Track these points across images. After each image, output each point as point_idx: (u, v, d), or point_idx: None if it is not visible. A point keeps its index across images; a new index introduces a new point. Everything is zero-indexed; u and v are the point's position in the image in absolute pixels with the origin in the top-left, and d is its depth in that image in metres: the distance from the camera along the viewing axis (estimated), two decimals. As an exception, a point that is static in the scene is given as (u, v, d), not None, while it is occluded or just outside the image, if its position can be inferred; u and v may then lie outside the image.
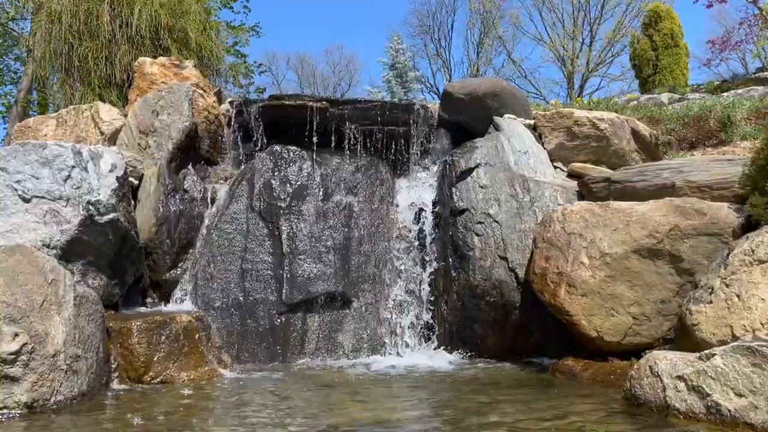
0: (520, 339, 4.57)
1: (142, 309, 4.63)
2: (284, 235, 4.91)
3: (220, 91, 6.46)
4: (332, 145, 5.42)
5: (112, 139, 5.54)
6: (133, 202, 4.74)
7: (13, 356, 2.94)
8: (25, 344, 2.99)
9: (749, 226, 3.81)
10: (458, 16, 40.21)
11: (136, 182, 4.91)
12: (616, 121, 5.60)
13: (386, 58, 26.02)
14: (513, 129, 5.36)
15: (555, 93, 27.82)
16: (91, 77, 7.06)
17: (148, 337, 3.74)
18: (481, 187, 4.86)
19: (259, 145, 5.41)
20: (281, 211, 5.00)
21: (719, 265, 3.43)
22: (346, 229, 5.03)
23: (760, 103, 6.79)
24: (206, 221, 5.04)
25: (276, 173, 5.16)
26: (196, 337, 3.93)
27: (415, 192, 5.30)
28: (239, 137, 5.58)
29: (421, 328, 4.86)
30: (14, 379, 2.94)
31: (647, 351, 3.47)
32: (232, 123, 5.67)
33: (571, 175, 5.36)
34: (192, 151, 5.37)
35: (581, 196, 4.92)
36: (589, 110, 6.15)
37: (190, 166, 5.21)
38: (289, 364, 4.55)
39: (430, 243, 5.03)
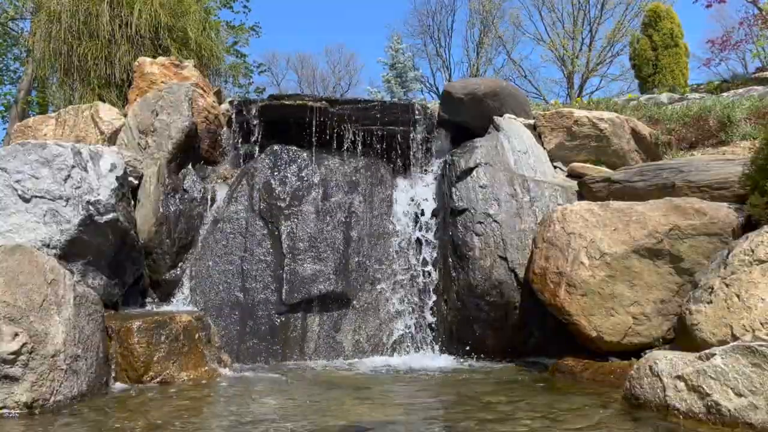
0: (520, 339, 4.57)
1: (142, 309, 4.63)
2: (284, 235, 4.91)
3: (219, 91, 6.46)
4: (332, 145, 5.42)
5: (111, 139, 5.54)
6: (132, 202, 4.74)
7: (12, 356, 2.94)
8: (24, 344, 2.99)
9: (749, 225, 3.82)
10: (458, 16, 40.30)
11: (136, 182, 4.91)
12: (616, 121, 5.60)
13: (386, 58, 26.06)
14: (513, 129, 5.35)
15: (555, 93, 27.83)
16: (91, 77, 7.06)
17: (147, 336, 3.74)
18: (481, 187, 4.86)
19: (259, 145, 5.40)
20: (281, 211, 4.99)
21: (719, 265, 3.43)
22: (346, 229, 5.03)
23: (760, 103, 6.78)
24: (206, 221, 5.04)
25: (276, 173, 5.16)
26: (196, 336, 3.93)
27: (415, 192, 5.30)
28: (239, 137, 5.58)
29: (420, 328, 4.87)
30: (14, 379, 2.94)
31: (647, 351, 3.47)
32: (232, 123, 5.67)
33: (571, 175, 5.36)
34: (192, 151, 5.36)
35: (581, 196, 4.92)
36: (589, 110, 6.14)
37: (189, 166, 5.21)
38: (289, 363, 4.55)
39: (430, 243, 5.03)
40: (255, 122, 5.43)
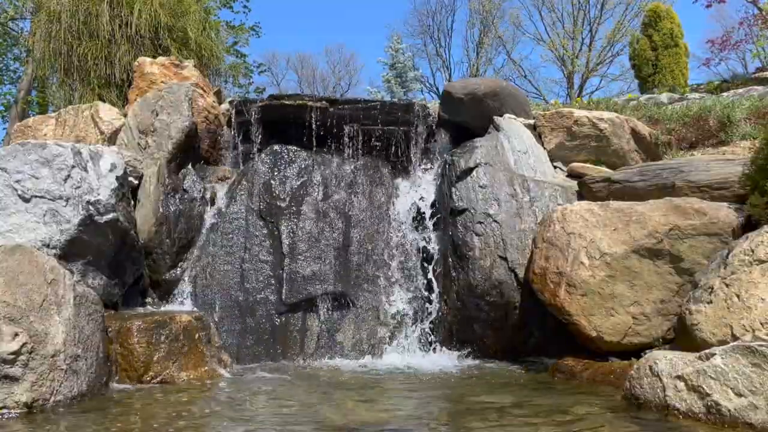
0: (520, 339, 4.57)
1: (142, 309, 4.63)
2: (284, 235, 4.91)
3: (219, 91, 6.46)
4: (332, 145, 5.42)
5: (111, 138, 5.54)
6: (132, 202, 4.74)
7: (12, 356, 2.94)
8: (24, 344, 2.98)
9: (749, 225, 3.82)
10: (458, 16, 40.29)
11: (136, 182, 4.91)
12: (616, 121, 5.60)
13: (386, 58, 26.08)
14: (513, 129, 5.36)
15: (555, 93, 27.78)
16: (91, 77, 7.06)
17: (147, 336, 3.74)
18: (481, 186, 4.86)
19: (259, 144, 5.41)
20: (281, 211, 4.99)
21: (719, 265, 3.43)
22: (346, 229, 5.03)
23: (760, 103, 6.78)
24: (206, 221, 5.04)
25: (276, 173, 5.16)
26: (196, 336, 3.93)
27: (415, 192, 5.30)
28: (239, 137, 5.58)
29: (420, 328, 4.86)
30: (14, 379, 2.94)
31: (647, 351, 3.48)
32: (232, 123, 5.67)
33: (571, 175, 5.36)
34: (192, 151, 5.36)
35: (581, 196, 4.92)
36: (589, 110, 6.14)
37: (189, 166, 5.21)
38: (289, 364, 4.55)
39: (430, 243, 5.03)
40: (255, 122, 5.44)
